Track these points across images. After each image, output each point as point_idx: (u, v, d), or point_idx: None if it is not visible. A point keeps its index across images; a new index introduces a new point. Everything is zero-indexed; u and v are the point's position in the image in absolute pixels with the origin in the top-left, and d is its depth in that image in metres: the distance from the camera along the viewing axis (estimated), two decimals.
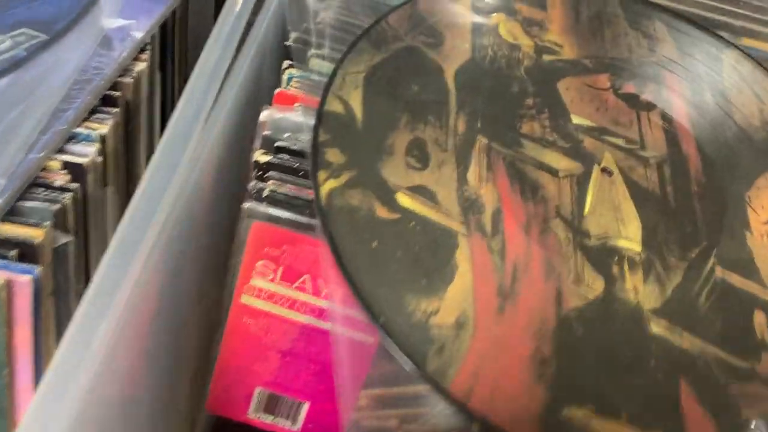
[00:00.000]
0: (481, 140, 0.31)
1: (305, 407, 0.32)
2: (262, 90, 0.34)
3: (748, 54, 0.38)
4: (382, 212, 0.28)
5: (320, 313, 0.30)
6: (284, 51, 0.35)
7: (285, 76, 0.32)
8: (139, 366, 0.28)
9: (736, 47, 0.38)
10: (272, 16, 0.35)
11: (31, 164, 0.31)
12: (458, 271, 0.27)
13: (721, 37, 0.38)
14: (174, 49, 0.46)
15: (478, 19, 0.35)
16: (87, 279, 0.35)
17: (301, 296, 0.30)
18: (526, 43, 0.35)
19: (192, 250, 0.31)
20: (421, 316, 0.26)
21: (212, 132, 0.31)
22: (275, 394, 0.32)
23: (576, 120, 0.33)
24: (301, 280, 0.29)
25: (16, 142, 0.32)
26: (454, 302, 0.26)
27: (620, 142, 0.33)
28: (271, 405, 0.32)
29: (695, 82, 0.36)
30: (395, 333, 0.25)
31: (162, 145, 0.28)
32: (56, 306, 0.32)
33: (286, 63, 0.33)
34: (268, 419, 0.33)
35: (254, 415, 0.33)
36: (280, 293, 0.30)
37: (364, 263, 0.26)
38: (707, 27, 0.38)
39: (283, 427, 0.33)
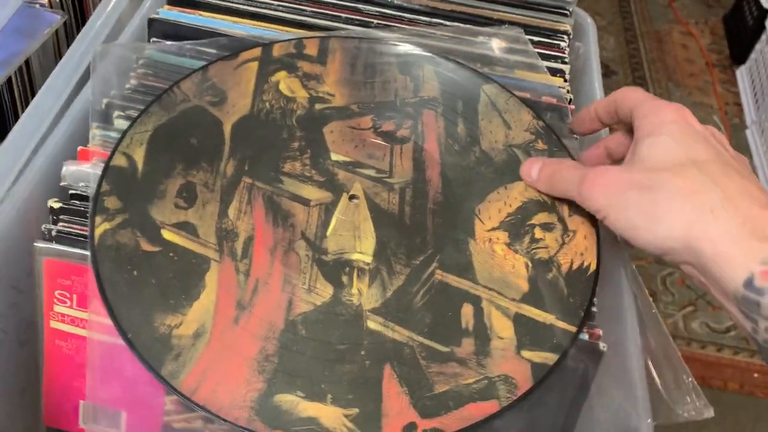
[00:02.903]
0: (246, 180, 0.37)
1: (124, 415, 0.38)
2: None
3: (504, 87, 0.44)
4: (146, 246, 0.34)
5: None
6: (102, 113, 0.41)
7: (90, 135, 0.39)
8: None
9: (495, 81, 0.44)
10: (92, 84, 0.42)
11: None
12: (205, 290, 0.33)
13: (482, 74, 0.44)
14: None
15: (262, 78, 0.42)
16: None
17: (95, 318, 0.35)
18: (301, 95, 0.41)
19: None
20: (164, 330, 0.32)
21: (33, 178, 0.38)
22: (96, 405, 0.38)
23: (335, 157, 0.39)
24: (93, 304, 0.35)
25: None
26: (196, 316, 0.32)
27: (371, 172, 0.39)
28: (95, 415, 0.38)
29: (449, 116, 0.42)
30: (140, 344, 0.31)
31: None
32: None
33: (94, 124, 0.39)
34: (96, 428, 0.39)
35: (84, 425, 0.39)
36: (79, 317, 0.36)
37: (122, 290, 0.32)
38: (472, 66, 0.45)
39: None
